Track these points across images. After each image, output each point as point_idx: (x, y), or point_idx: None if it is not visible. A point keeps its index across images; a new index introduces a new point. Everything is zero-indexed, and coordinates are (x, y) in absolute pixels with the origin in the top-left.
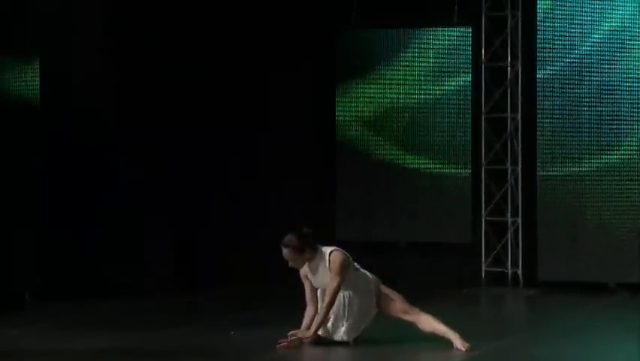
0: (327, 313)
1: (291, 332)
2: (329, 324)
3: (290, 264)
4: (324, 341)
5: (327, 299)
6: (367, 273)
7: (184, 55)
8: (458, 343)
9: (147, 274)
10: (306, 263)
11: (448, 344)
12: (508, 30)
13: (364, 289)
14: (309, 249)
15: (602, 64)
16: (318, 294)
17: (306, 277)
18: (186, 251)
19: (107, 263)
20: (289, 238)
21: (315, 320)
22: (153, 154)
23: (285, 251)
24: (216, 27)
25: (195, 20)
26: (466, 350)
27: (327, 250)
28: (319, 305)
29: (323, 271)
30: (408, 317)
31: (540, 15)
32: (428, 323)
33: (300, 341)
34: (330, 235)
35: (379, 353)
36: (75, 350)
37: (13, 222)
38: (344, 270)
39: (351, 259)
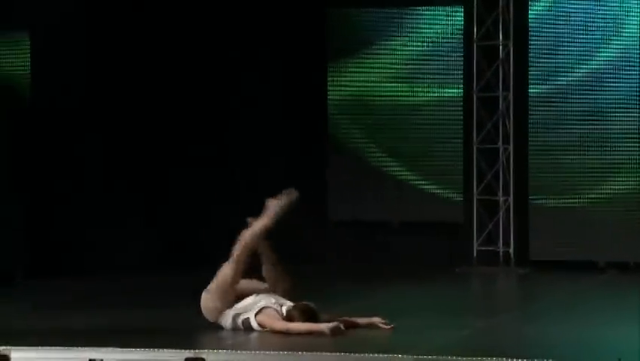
0: None
1: None
2: None
3: None
4: None
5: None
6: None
7: (168, 30)
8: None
9: (128, 252)
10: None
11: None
12: (500, 8)
13: None
14: None
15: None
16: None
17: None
18: (169, 230)
19: (87, 242)
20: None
21: None
22: (134, 130)
23: None
24: (204, 2)
25: None
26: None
27: None
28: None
29: None
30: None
31: None
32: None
33: None
34: (322, 215)
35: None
36: (63, 328)
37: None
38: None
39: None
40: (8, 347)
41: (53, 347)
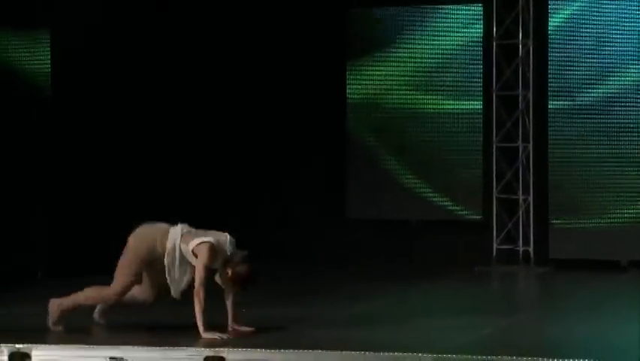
0: None
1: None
2: None
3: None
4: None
5: None
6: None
7: (194, 36)
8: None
9: None
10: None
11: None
12: (520, 7)
13: None
14: None
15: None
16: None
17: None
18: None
19: (112, 240)
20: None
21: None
22: (160, 131)
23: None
24: (226, 7)
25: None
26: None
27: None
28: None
29: None
30: None
31: None
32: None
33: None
34: (340, 213)
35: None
36: (84, 326)
37: (23, 200)
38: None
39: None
40: (29, 345)
41: (74, 345)
